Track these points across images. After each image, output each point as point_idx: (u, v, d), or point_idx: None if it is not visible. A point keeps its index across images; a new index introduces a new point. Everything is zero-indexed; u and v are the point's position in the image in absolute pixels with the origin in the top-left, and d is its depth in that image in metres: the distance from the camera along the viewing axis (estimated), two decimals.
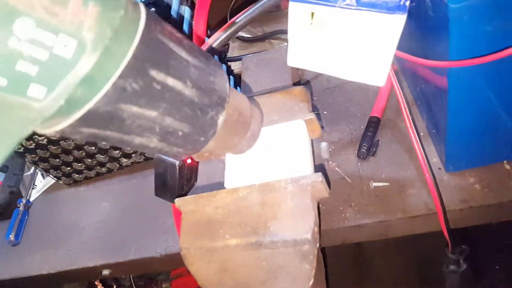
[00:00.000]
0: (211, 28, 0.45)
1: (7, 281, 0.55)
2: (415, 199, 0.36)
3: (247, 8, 0.31)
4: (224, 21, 0.32)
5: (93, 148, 0.53)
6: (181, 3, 0.43)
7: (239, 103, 0.28)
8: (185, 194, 0.40)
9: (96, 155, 0.54)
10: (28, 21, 0.14)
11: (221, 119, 0.25)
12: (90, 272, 0.50)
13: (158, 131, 0.21)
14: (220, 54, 0.48)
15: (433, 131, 0.37)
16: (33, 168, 0.63)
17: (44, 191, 0.62)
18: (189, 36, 0.39)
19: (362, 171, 0.39)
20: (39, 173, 0.63)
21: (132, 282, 0.98)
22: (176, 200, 0.35)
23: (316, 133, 0.36)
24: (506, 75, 0.27)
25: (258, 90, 0.43)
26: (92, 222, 0.53)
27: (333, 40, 0.26)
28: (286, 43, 0.27)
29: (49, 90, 0.16)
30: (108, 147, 0.52)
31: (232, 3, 0.59)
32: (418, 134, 0.33)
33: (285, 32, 0.26)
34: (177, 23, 0.41)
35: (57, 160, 0.54)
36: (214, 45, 0.30)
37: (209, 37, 0.32)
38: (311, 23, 0.25)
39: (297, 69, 0.46)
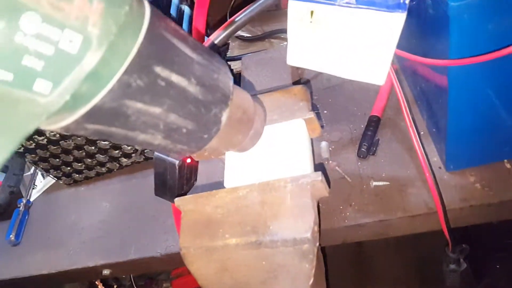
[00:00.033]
0: (211, 27, 0.45)
1: (7, 281, 0.55)
2: (415, 198, 0.36)
3: (247, 7, 0.31)
4: (223, 20, 0.32)
5: (93, 148, 0.52)
6: (180, 2, 0.43)
7: (242, 100, 0.28)
8: (185, 194, 0.40)
9: (96, 155, 0.54)
10: (34, 16, 0.14)
11: (224, 117, 0.25)
12: (90, 272, 0.50)
13: (162, 128, 0.21)
14: (219, 54, 0.48)
15: (433, 130, 0.37)
16: (33, 168, 0.63)
17: (44, 191, 0.62)
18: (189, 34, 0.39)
19: (362, 170, 0.39)
20: (39, 173, 0.63)
21: (133, 282, 0.98)
22: (176, 199, 0.35)
23: (316, 132, 0.36)
24: (506, 74, 0.27)
25: (257, 89, 0.42)
26: (92, 222, 0.53)
27: (332, 39, 0.26)
28: (286, 42, 0.27)
29: (55, 85, 0.16)
30: (108, 147, 0.52)
31: (232, 2, 0.59)
32: (418, 133, 0.33)
33: (285, 31, 0.26)
34: (176, 22, 0.41)
35: (57, 160, 0.54)
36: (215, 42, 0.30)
37: (208, 36, 0.32)
38: (311, 22, 0.25)
39: (297, 68, 0.46)
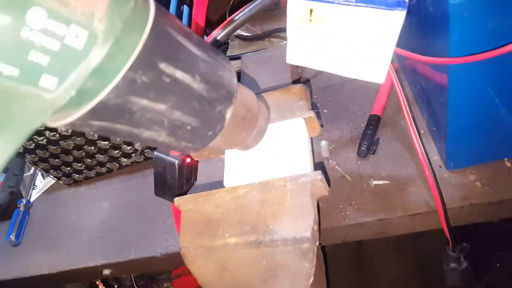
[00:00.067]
0: (210, 26, 0.45)
1: (8, 282, 0.55)
2: (415, 197, 0.36)
3: (246, 6, 0.31)
4: (223, 19, 0.32)
5: (92, 148, 0.52)
6: (180, 2, 0.43)
7: (246, 98, 0.28)
8: (185, 193, 0.40)
9: (96, 155, 0.54)
10: (40, 11, 0.14)
11: (229, 114, 0.25)
12: (90, 272, 0.50)
13: (166, 125, 0.21)
14: None
15: (434, 128, 0.37)
16: (33, 168, 0.63)
17: (44, 191, 0.62)
18: None
19: (362, 169, 0.39)
20: (39, 174, 0.63)
21: (133, 281, 0.99)
22: (176, 199, 0.35)
23: (315, 131, 0.36)
24: (506, 72, 0.27)
25: (257, 89, 0.42)
26: (93, 222, 0.53)
27: (332, 37, 0.26)
28: (285, 41, 0.27)
29: (61, 80, 0.16)
30: (107, 147, 0.52)
31: (232, 1, 0.59)
32: (419, 132, 0.33)
33: (284, 30, 0.26)
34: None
35: (57, 160, 0.54)
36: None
37: (207, 35, 0.32)
38: (310, 20, 0.25)
39: (297, 67, 0.46)
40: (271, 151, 0.34)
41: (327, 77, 0.48)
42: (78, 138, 0.51)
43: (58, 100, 0.16)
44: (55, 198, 0.60)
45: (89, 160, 0.55)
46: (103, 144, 0.52)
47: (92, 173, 0.57)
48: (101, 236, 0.51)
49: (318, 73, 0.48)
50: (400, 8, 0.23)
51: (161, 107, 0.20)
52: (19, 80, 0.15)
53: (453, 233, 0.35)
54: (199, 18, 0.33)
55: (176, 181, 0.38)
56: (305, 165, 0.33)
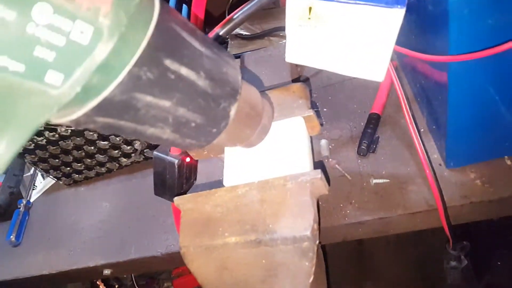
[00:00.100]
0: (209, 24, 0.44)
1: (8, 282, 0.55)
2: (415, 195, 0.36)
3: (245, 4, 0.30)
4: (222, 18, 0.32)
5: (92, 148, 0.52)
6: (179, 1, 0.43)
7: (251, 95, 0.28)
8: (185, 193, 0.39)
9: (96, 155, 0.54)
10: (46, 6, 0.14)
11: (233, 111, 0.25)
12: (91, 272, 0.50)
13: (171, 122, 0.21)
14: None
15: (434, 127, 0.37)
16: (33, 169, 0.63)
17: (44, 191, 0.62)
18: None
19: (362, 168, 0.39)
20: (39, 174, 0.63)
21: (134, 281, 0.99)
22: (175, 198, 0.35)
23: (315, 130, 0.36)
24: (506, 70, 0.27)
25: (257, 88, 0.42)
26: (93, 222, 0.53)
27: (331, 35, 0.26)
28: (285, 40, 0.27)
29: (66, 76, 0.16)
30: (107, 147, 0.52)
31: (231, 0, 0.59)
32: (419, 131, 0.33)
33: (283, 29, 0.26)
34: None
35: (57, 160, 0.54)
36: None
37: (206, 34, 0.32)
38: (309, 18, 0.25)
39: (296, 65, 0.46)
40: (270, 150, 0.34)
41: (327, 76, 0.48)
42: (78, 138, 0.51)
43: (63, 96, 0.16)
44: (55, 199, 0.60)
45: (89, 160, 0.55)
46: (103, 144, 0.52)
47: (92, 173, 0.57)
48: (101, 236, 0.51)
49: (318, 72, 0.48)
50: (399, 6, 0.23)
51: (166, 103, 0.20)
52: (24, 76, 0.15)
53: (454, 231, 0.35)
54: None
55: (176, 181, 0.38)
56: (305, 164, 0.32)
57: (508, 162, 0.34)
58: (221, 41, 0.32)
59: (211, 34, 0.31)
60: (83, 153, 0.53)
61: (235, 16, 0.31)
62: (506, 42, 0.23)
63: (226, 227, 0.31)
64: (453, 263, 0.39)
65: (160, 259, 0.46)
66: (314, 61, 0.28)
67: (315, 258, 0.28)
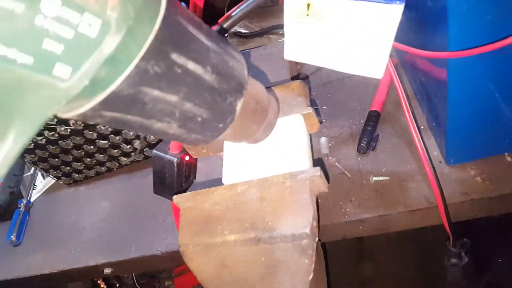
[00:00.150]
0: (208, 22, 0.44)
1: (9, 282, 0.55)
2: (415, 192, 0.36)
3: (243, 2, 0.30)
4: (221, 15, 0.32)
5: (92, 147, 0.52)
6: None
7: (257, 90, 0.28)
8: (184, 191, 0.39)
9: (95, 154, 0.54)
10: None
11: (239, 106, 0.25)
12: (91, 271, 0.50)
13: (178, 116, 0.21)
14: None
15: (433, 124, 0.37)
16: (33, 168, 0.63)
17: (45, 191, 0.62)
18: None
19: (362, 166, 0.39)
20: (39, 174, 0.63)
21: (135, 280, 0.99)
22: (174, 197, 0.35)
23: (314, 128, 0.36)
24: (506, 66, 0.27)
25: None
26: (93, 222, 0.53)
27: (330, 32, 0.26)
28: (284, 38, 0.27)
29: (74, 69, 0.16)
30: (107, 146, 0.52)
31: None
32: (418, 128, 0.33)
33: (282, 27, 0.26)
34: None
35: (57, 160, 0.54)
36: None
37: None
38: (307, 15, 0.25)
39: (296, 63, 0.46)
40: (269, 148, 0.34)
41: (326, 73, 0.48)
42: (77, 138, 0.51)
43: (71, 89, 0.16)
44: (55, 198, 0.60)
45: (89, 160, 0.55)
46: (102, 143, 0.52)
47: (91, 173, 0.57)
48: (102, 235, 0.51)
49: (317, 70, 0.48)
50: (397, 2, 0.23)
51: (173, 98, 0.20)
52: (33, 69, 0.15)
53: (454, 228, 0.35)
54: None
55: (175, 179, 0.38)
56: (304, 161, 0.32)
57: (509, 159, 0.34)
58: None
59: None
60: (83, 153, 0.53)
61: (233, 14, 0.31)
62: (506, 37, 0.23)
63: (226, 225, 0.31)
64: (453, 260, 0.39)
65: (160, 258, 0.46)
66: (313, 58, 0.28)
67: (315, 256, 0.28)
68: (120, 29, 0.16)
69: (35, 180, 0.63)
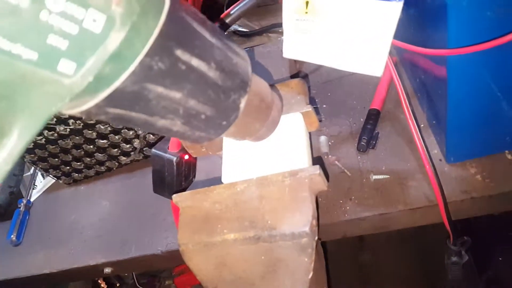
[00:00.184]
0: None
1: (9, 281, 0.55)
2: (415, 191, 0.35)
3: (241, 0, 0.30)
4: (220, 13, 0.32)
5: (91, 146, 0.52)
6: None
7: (260, 88, 0.28)
8: (184, 190, 0.39)
9: (95, 154, 0.54)
10: None
11: (243, 103, 0.24)
12: (92, 270, 0.50)
13: (181, 113, 0.21)
14: None
15: (434, 122, 0.37)
16: (33, 168, 0.63)
17: (44, 191, 0.62)
18: None
19: (362, 164, 0.39)
20: (39, 173, 0.63)
21: (135, 280, 0.99)
22: (174, 196, 0.35)
23: (313, 126, 0.36)
24: (506, 62, 0.27)
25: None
26: (93, 221, 0.53)
27: (329, 30, 0.25)
28: (283, 36, 0.27)
29: (79, 65, 0.16)
30: (106, 145, 0.52)
31: None
32: (418, 126, 0.32)
33: (282, 25, 0.26)
34: None
35: (56, 159, 0.54)
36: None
37: None
38: (306, 12, 0.25)
39: (295, 61, 0.46)
40: (268, 146, 0.34)
41: (326, 72, 0.48)
42: (77, 137, 0.51)
43: (76, 86, 0.16)
44: (55, 198, 0.60)
45: (88, 159, 0.55)
46: (102, 142, 0.52)
47: (91, 172, 0.57)
48: (102, 235, 0.51)
49: (317, 68, 0.48)
50: None
51: (177, 95, 0.20)
52: (37, 64, 0.15)
53: (454, 226, 0.35)
54: None
55: (175, 178, 0.38)
56: (303, 160, 0.32)
57: (509, 157, 0.34)
58: None
59: None
60: (83, 152, 0.53)
61: (232, 12, 0.31)
62: (505, 34, 0.23)
63: (225, 223, 0.31)
64: (454, 259, 0.39)
65: (160, 257, 0.46)
66: (312, 56, 0.28)
67: (314, 254, 0.28)
68: (124, 24, 0.16)
69: (35, 180, 0.63)
